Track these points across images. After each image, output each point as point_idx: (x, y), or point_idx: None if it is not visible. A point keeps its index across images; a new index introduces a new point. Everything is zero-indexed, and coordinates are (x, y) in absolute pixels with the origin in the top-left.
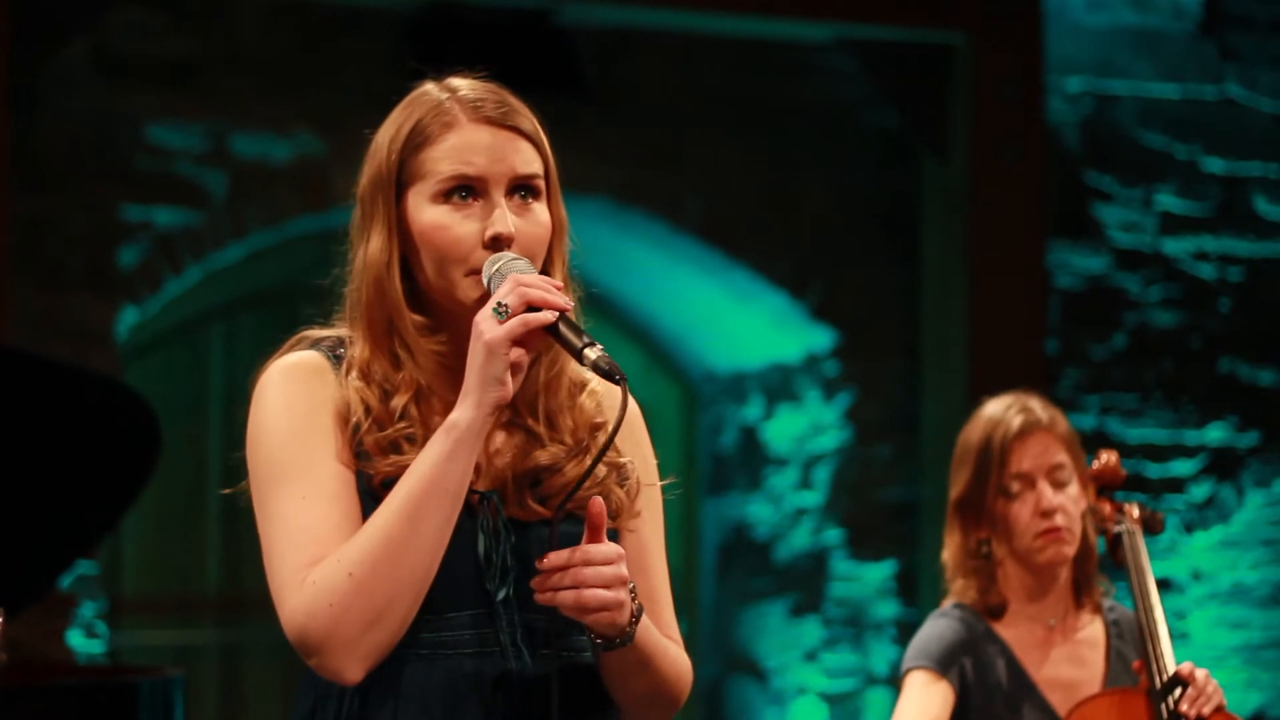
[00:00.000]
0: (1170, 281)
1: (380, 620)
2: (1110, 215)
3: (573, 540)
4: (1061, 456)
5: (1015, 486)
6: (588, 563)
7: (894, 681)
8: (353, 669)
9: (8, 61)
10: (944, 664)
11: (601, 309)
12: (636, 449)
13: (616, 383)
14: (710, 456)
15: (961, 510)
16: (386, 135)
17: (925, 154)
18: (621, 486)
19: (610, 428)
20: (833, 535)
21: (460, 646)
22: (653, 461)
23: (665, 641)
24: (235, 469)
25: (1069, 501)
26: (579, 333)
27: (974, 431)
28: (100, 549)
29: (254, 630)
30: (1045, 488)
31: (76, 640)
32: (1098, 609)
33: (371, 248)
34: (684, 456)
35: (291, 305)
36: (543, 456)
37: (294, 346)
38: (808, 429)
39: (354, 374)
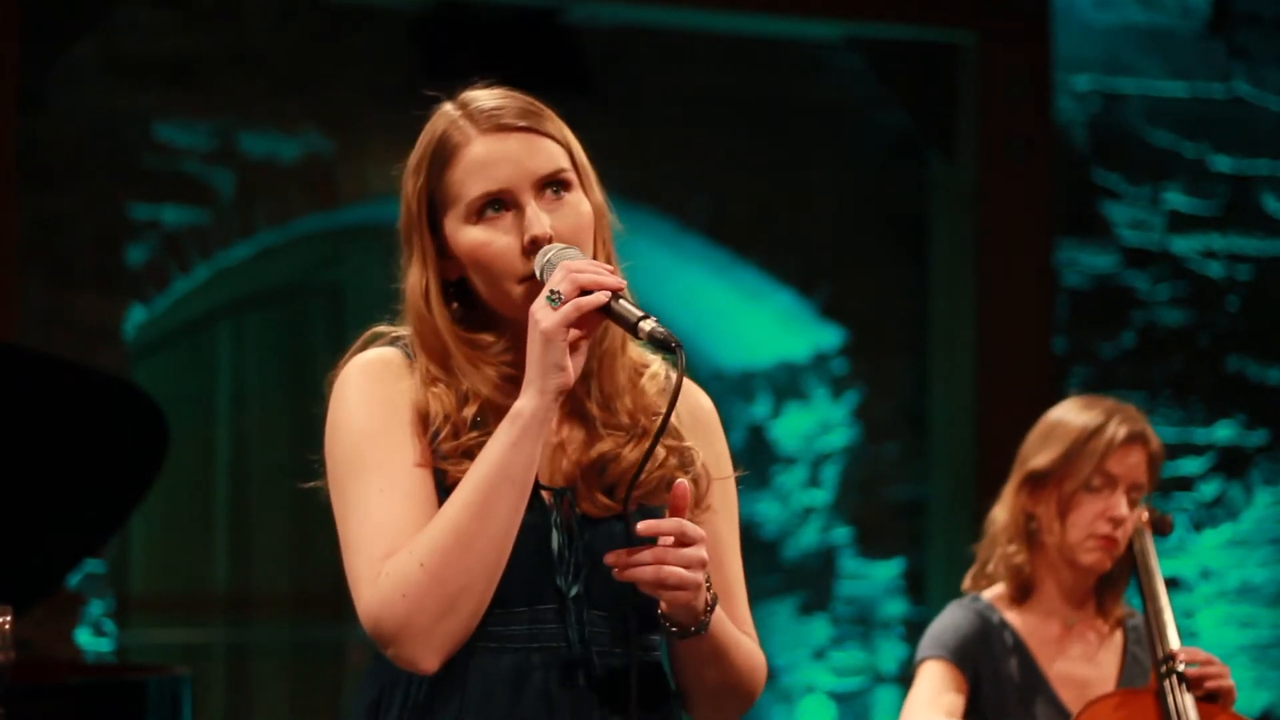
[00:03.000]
0: (1178, 280)
1: (453, 609)
2: (1118, 213)
3: (644, 539)
4: (1144, 479)
5: (1098, 482)
6: (680, 539)
7: (903, 680)
8: (428, 659)
9: (16, 60)
10: (960, 655)
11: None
12: (709, 447)
13: (672, 351)
14: None
15: (1033, 480)
16: (410, 166)
17: (933, 152)
18: (686, 473)
19: (686, 412)
20: (841, 533)
21: (528, 640)
22: (726, 456)
23: (739, 635)
24: (243, 467)
25: (1130, 520)
26: (633, 309)
27: (1076, 418)
28: (108, 547)
29: (261, 629)
30: (1122, 498)
31: (84, 639)
32: (1120, 623)
33: (410, 282)
34: None
35: (299, 303)
36: (603, 445)
37: (368, 343)
38: (816, 427)
39: (427, 380)
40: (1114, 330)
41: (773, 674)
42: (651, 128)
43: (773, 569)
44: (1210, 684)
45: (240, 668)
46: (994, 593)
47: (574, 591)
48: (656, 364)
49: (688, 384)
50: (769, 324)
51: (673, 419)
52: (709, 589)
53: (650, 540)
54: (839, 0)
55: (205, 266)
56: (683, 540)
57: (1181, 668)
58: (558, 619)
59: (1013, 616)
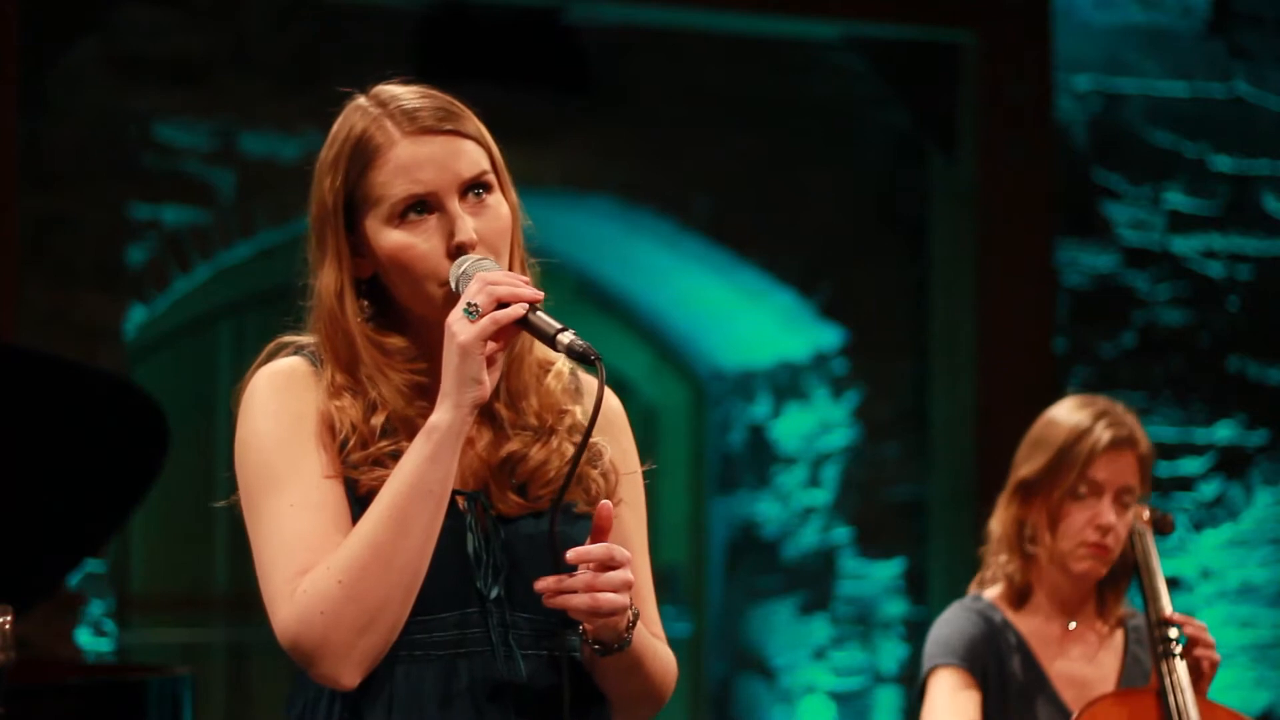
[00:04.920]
0: (1179, 280)
1: (372, 625)
2: (1119, 213)
3: (566, 539)
4: (1134, 481)
5: (1084, 489)
6: (606, 564)
7: (903, 680)
8: (348, 675)
9: (17, 60)
10: (969, 659)
11: (610, 307)
12: (616, 442)
13: (592, 363)
14: (719, 455)
15: (1024, 489)
16: (325, 161)
17: (934, 152)
18: (595, 468)
19: (591, 409)
20: (841, 533)
21: (452, 646)
22: (633, 452)
23: (654, 641)
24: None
25: (1122, 525)
26: (550, 321)
27: (1063, 422)
28: (108, 547)
29: (262, 629)
30: (1109, 504)
31: (85, 639)
32: (1120, 623)
33: (323, 281)
34: (692, 455)
35: (299, 304)
36: (512, 445)
37: (275, 354)
38: (816, 427)
39: (331, 391)
40: (1114, 330)
41: (773, 674)
42: (651, 127)
43: (773, 569)
44: (1197, 651)
45: (240, 668)
46: (995, 592)
47: (494, 593)
48: (561, 362)
49: (595, 383)
50: (769, 324)
51: (581, 418)
52: (630, 605)
53: (565, 542)
54: (839, 0)
55: (206, 266)
56: (609, 565)
57: (1175, 633)
58: (480, 622)
59: (1014, 616)
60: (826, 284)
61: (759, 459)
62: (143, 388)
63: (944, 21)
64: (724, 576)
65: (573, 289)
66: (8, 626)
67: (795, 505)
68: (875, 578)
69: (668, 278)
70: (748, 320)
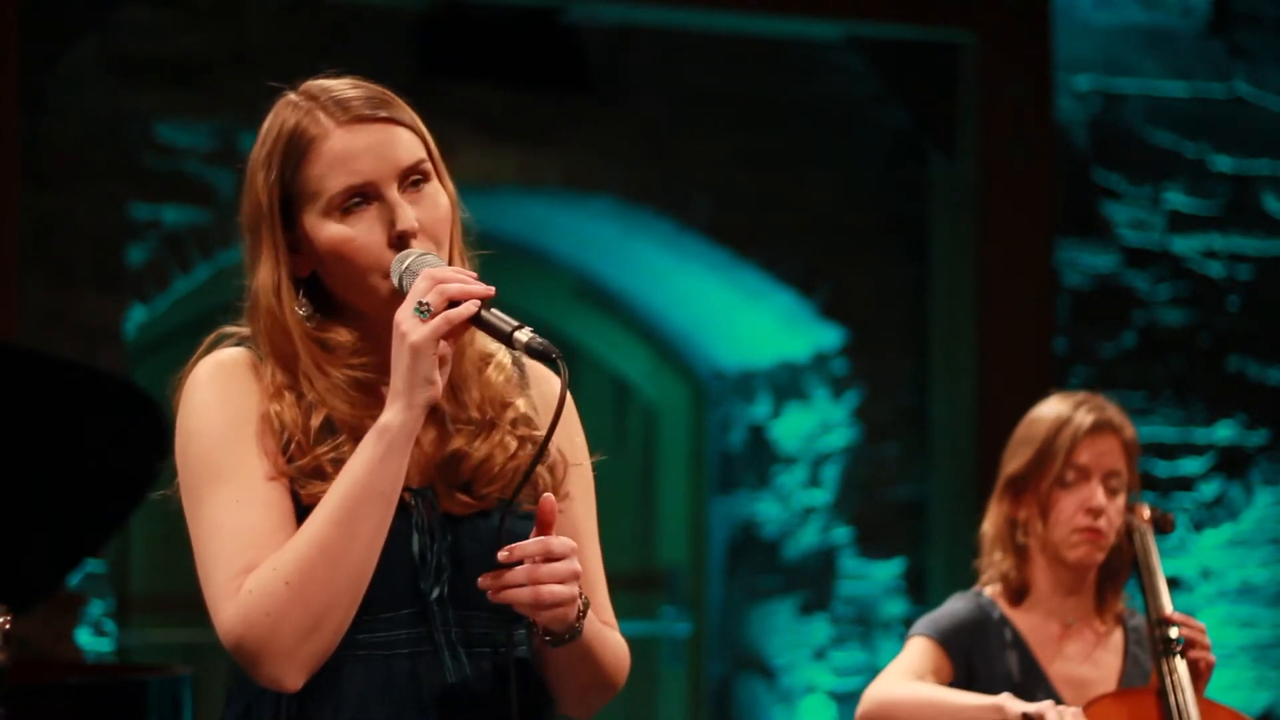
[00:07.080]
0: (1179, 280)
1: (318, 628)
2: (1119, 213)
3: (514, 538)
4: (1120, 465)
5: (1071, 476)
6: (546, 557)
7: None
8: (292, 677)
9: (17, 60)
10: (950, 639)
11: (610, 307)
12: (563, 429)
13: (553, 362)
14: (719, 455)
15: (1013, 486)
16: (258, 159)
17: (934, 152)
18: (541, 463)
19: (540, 398)
20: (841, 533)
21: (396, 647)
22: (581, 441)
23: (605, 630)
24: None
25: (1114, 510)
26: (505, 318)
27: (1045, 415)
28: (108, 547)
29: None
30: (1098, 487)
31: (85, 639)
32: (1119, 620)
33: (260, 280)
34: (692, 455)
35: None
36: (456, 441)
37: (216, 344)
38: (816, 427)
39: (272, 392)
40: (1114, 330)
41: (773, 674)
42: (651, 126)
43: (773, 569)
44: (1193, 653)
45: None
46: (996, 589)
47: (436, 593)
48: (502, 353)
49: (543, 371)
50: (769, 324)
51: (527, 410)
52: (580, 595)
53: (515, 540)
54: (839, 0)
55: (206, 266)
56: (550, 557)
57: (1175, 632)
58: (424, 623)
59: (1012, 614)
60: (826, 284)
61: (759, 459)
62: (143, 388)
63: (944, 21)
64: (724, 576)
65: (573, 289)
66: (8, 626)
67: (795, 505)
68: (875, 578)
69: (668, 278)
70: (748, 320)
